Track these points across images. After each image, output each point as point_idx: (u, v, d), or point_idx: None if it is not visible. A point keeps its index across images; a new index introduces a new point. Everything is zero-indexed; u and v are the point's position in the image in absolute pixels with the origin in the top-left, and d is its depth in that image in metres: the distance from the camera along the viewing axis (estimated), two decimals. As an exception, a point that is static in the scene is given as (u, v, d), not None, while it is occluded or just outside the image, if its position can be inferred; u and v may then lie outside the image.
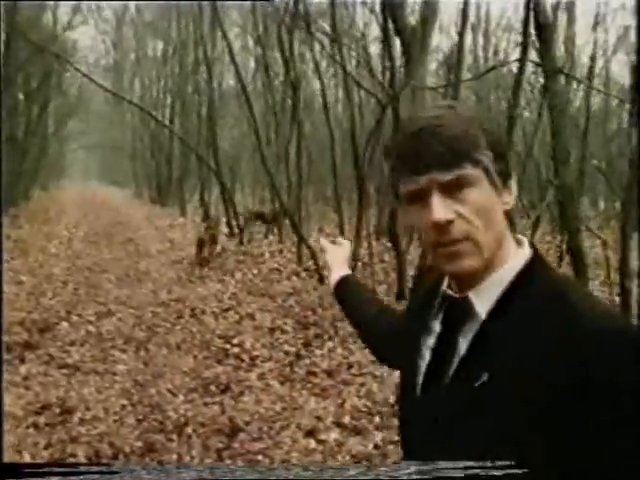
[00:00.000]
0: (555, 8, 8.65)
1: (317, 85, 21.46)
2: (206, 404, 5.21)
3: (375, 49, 15.81)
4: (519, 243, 1.15)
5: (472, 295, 1.09)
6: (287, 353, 6.31)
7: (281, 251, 11.77)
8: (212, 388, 5.52)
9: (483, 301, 1.08)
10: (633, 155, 6.06)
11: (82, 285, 9.64)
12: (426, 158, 1.04)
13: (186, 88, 20.27)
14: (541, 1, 5.36)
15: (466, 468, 0.99)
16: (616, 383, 0.92)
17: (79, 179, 59.59)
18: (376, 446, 4.42)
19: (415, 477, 1.00)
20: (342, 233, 9.40)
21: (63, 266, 11.27)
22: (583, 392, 0.92)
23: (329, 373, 5.75)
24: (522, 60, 5.60)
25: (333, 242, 1.94)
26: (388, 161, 1.13)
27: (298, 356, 6.23)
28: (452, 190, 1.04)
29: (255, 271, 10.20)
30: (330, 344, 6.53)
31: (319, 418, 4.86)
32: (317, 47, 11.39)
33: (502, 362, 1.02)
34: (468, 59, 19.25)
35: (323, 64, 15.84)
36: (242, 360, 6.19)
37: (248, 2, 12.76)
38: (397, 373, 4.62)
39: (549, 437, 0.94)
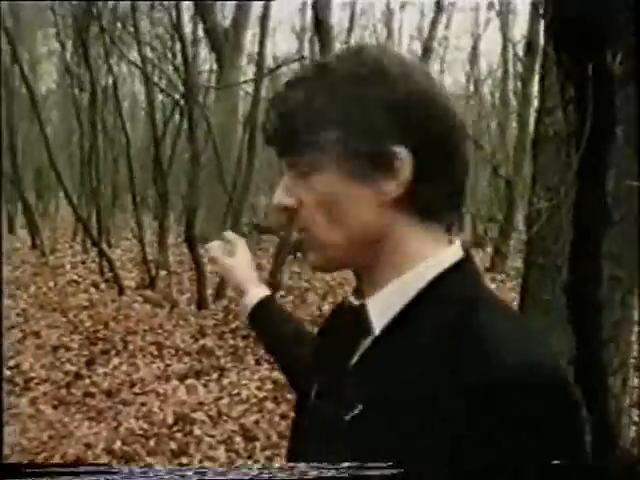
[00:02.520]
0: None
1: (137, 87, 21.00)
2: (-39, 437, 4.65)
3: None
4: (448, 243, 0.90)
5: (370, 303, 0.87)
6: (67, 373, 5.81)
7: (84, 262, 11.13)
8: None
9: (381, 311, 0.86)
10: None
11: None
12: (267, 132, 0.90)
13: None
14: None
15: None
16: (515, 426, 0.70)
17: None
18: (146, 472, 4.08)
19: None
20: (142, 242, 8.93)
21: None
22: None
23: (109, 393, 5.33)
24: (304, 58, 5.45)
25: (225, 242, 1.50)
26: None
27: (78, 376, 5.74)
28: (304, 172, 0.87)
29: (52, 284, 9.52)
30: (116, 360, 6.10)
31: (88, 445, 4.45)
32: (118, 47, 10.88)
33: (381, 392, 0.81)
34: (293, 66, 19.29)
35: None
36: (15, 384, 5.63)
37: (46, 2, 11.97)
38: (182, 390, 4.14)
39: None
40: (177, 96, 9.55)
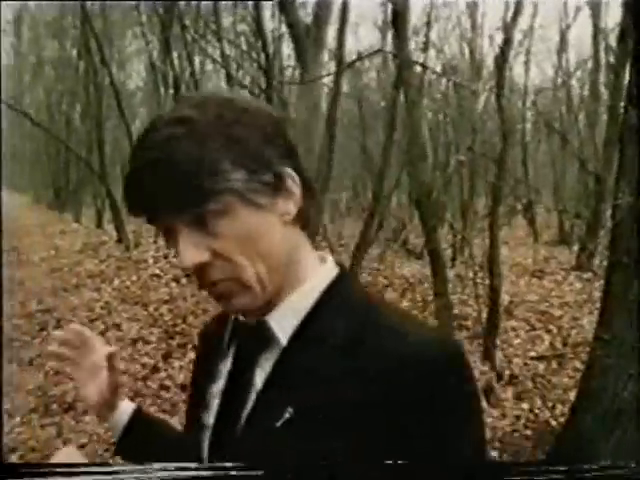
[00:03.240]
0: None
1: (222, 83, 21.28)
2: (43, 426, 4.78)
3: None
4: (322, 260, 0.99)
5: (270, 319, 0.92)
6: (144, 365, 5.90)
7: (166, 256, 11.30)
8: (54, 407, 5.09)
9: (283, 325, 0.92)
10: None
11: (-57, 298, 8.96)
12: (153, 203, 0.85)
13: (85, 90, 19.50)
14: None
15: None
16: (432, 405, 0.82)
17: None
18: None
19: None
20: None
21: None
22: (398, 416, 0.81)
23: (183, 387, 5.37)
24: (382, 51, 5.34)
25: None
26: None
27: (155, 369, 5.82)
28: (201, 223, 0.85)
29: (134, 278, 9.72)
30: (192, 354, 6.14)
31: (162, 437, 4.49)
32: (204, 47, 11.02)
33: (308, 393, 0.86)
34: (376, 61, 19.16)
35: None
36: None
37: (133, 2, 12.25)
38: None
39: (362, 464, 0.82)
40: (259, 92, 9.58)
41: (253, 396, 0.91)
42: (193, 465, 0.85)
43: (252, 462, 0.86)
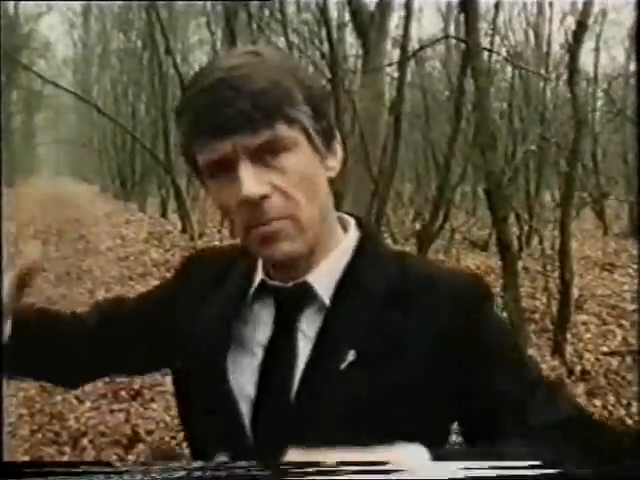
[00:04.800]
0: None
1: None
2: (112, 411, 4.86)
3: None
4: (345, 222, 1.02)
5: (311, 279, 0.94)
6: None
7: (231, 246, 11.39)
8: (122, 394, 5.16)
9: (325, 285, 0.94)
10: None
11: (16, 284, 9.19)
12: (226, 117, 0.82)
13: (150, 80, 19.78)
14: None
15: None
16: (476, 329, 0.90)
17: (51, 174, 58.31)
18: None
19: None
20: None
21: None
22: (446, 347, 0.89)
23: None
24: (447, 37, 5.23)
25: None
26: (180, 125, 0.89)
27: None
28: (264, 156, 0.85)
29: (199, 267, 9.80)
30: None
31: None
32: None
33: (363, 339, 0.90)
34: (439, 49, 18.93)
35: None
36: (163, 363, 5.82)
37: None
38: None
39: (427, 403, 0.89)
40: (323, 81, 9.54)
41: (300, 351, 0.93)
42: (198, 465, 0.85)
43: (315, 409, 0.89)
